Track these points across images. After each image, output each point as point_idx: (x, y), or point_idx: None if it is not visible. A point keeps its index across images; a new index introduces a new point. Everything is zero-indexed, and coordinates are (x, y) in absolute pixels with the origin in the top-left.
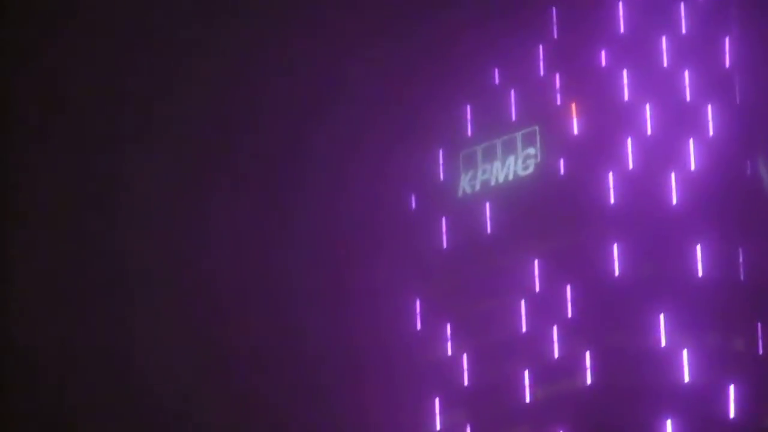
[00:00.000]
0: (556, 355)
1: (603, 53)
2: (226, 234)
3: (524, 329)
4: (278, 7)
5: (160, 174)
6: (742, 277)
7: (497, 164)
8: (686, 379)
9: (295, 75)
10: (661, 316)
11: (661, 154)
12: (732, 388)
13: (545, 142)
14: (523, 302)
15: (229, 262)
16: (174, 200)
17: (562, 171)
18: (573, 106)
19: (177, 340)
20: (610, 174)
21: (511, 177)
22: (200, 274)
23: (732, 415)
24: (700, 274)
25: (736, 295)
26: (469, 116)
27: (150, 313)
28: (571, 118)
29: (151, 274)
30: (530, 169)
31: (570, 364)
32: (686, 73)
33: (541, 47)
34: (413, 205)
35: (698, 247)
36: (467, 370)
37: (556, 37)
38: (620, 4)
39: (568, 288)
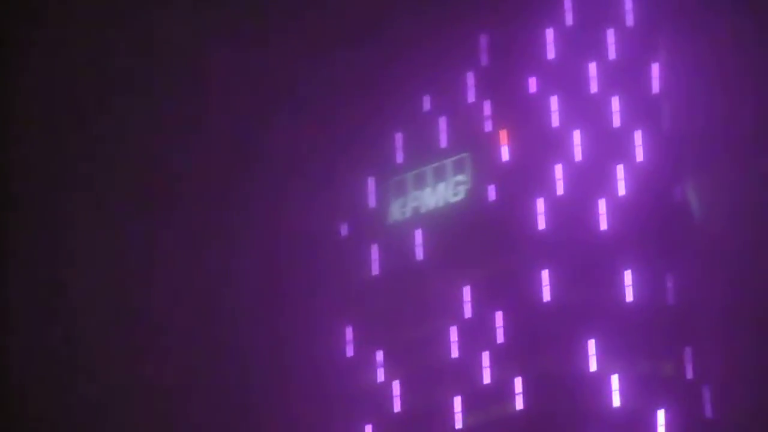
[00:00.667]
0: (487, 381)
1: (532, 80)
2: (164, 259)
3: (455, 355)
4: (196, 48)
5: (102, 204)
6: (670, 302)
7: (428, 191)
8: (616, 403)
9: (233, 106)
10: (591, 342)
11: (590, 180)
12: (661, 412)
13: (475, 168)
14: (454, 328)
15: (165, 286)
16: (119, 231)
17: (492, 197)
18: (503, 132)
19: (116, 361)
20: (540, 200)
21: (441, 204)
22: (142, 299)
23: None
24: (630, 299)
25: (664, 320)
26: (399, 143)
27: (93, 338)
28: (501, 145)
29: (94, 300)
30: (460, 196)
31: (501, 390)
32: (615, 99)
33: (470, 74)
34: (344, 232)
35: (627, 273)
36: (399, 396)
37: (485, 63)
38: (549, 30)
39: (499, 314)
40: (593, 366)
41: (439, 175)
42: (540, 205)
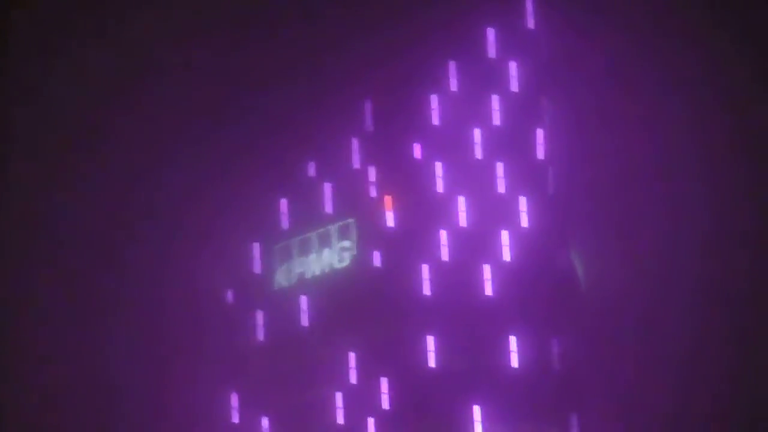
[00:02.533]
0: None
1: (416, 145)
2: (41, 321)
3: (341, 421)
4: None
5: None
6: (556, 368)
7: (313, 257)
8: None
9: (118, 161)
10: (476, 408)
11: (474, 245)
12: None
13: (361, 234)
14: (339, 394)
15: (45, 350)
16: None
17: (377, 263)
18: (387, 198)
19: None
20: (425, 266)
21: (326, 270)
22: (27, 359)
23: None
24: (515, 365)
25: (550, 386)
26: (284, 209)
27: None
28: (386, 211)
29: None
30: (346, 262)
31: None
32: (499, 165)
33: (355, 139)
34: (229, 298)
35: (512, 338)
36: None
37: (370, 129)
38: (433, 96)
39: (384, 380)
40: None
41: (325, 241)
42: (425, 270)
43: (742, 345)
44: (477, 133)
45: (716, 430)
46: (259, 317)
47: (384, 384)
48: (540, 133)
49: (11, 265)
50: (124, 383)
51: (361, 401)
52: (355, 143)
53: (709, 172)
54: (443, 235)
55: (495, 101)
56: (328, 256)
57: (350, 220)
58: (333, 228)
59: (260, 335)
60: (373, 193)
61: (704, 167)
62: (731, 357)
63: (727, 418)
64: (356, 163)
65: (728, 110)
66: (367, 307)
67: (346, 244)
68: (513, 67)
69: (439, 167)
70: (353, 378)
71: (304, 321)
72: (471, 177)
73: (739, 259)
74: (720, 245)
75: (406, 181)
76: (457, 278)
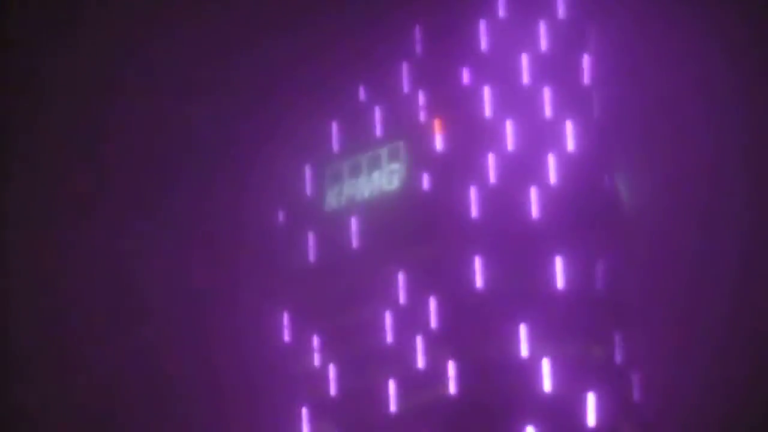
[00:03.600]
0: (421, 366)
1: (465, 71)
2: (88, 244)
3: (390, 340)
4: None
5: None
6: (600, 289)
7: (363, 179)
8: (547, 387)
9: (159, 89)
10: (522, 327)
11: (521, 169)
12: (591, 396)
13: (410, 157)
14: (388, 314)
15: (90, 272)
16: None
17: (425, 186)
18: (437, 122)
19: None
20: (473, 188)
21: (376, 192)
22: (62, 292)
23: (590, 422)
24: (560, 285)
25: (594, 306)
26: (334, 132)
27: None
28: (435, 134)
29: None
30: (395, 184)
31: (434, 374)
32: (546, 90)
33: (405, 64)
34: (280, 219)
35: (558, 260)
36: (334, 380)
37: (420, 54)
38: (482, 22)
39: (432, 300)
40: (524, 351)
41: (374, 164)
42: (473, 193)
43: None
44: (524, 59)
45: (761, 350)
46: (310, 238)
47: (432, 304)
48: (586, 59)
49: (57, 209)
50: (176, 301)
51: (409, 320)
52: (405, 67)
53: (751, 98)
54: (491, 158)
55: (542, 27)
56: (378, 179)
57: (400, 143)
58: (383, 151)
59: (311, 256)
60: (422, 116)
61: (745, 94)
62: None
63: None
64: (406, 87)
65: None
66: (415, 229)
67: (396, 167)
68: (560, 6)
69: (487, 92)
70: (402, 298)
71: (354, 242)
72: (518, 102)
73: None
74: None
75: (455, 106)
76: (505, 201)
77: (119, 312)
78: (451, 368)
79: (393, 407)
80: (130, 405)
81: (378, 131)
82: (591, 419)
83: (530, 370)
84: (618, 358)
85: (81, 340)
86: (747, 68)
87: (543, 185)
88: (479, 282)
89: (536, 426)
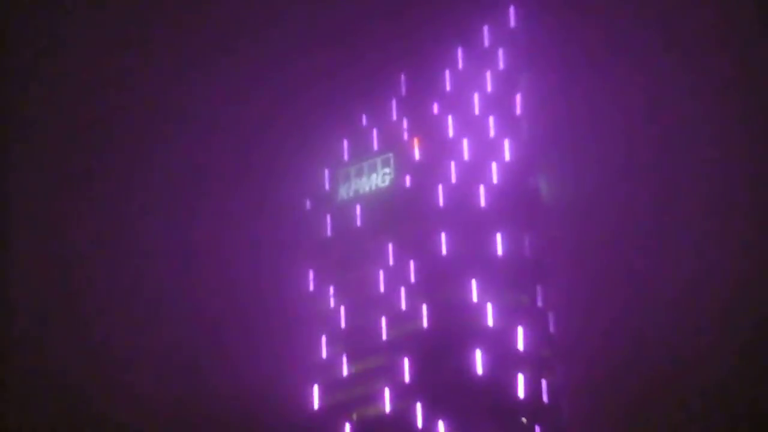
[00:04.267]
0: (404, 308)
1: (435, 104)
2: (155, 223)
3: (382, 290)
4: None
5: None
6: (527, 255)
7: (364, 179)
8: (490, 323)
9: (217, 106)
10: (473, 281)
11: (473, 172)
12: (520, 329)
13: (397, 164)
14: (381, 272)
15: (153, 235)
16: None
17: (408, 184)
18: (415, 140)
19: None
20: (440, 186)
21: (374, 188)
22: (123, 244)
23: (521, 348)
24: (500, 253)
25: (523, 267)
26: (345, 146)
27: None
28: (414, 148)
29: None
30: (387, 183)
31: (413, 314)
32: (490, 118)
33: (393, 100)
34: (307, 206)
35: (498, 235)
36: (344, 317)
37: (404, 93)
38: (446, 71)
39: (412, 262)
40: (475, 298)
41: (372, 168)
42: (440, 189)
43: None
44: (476, 96)
45: (682, 309)
46: (328, 219)
47: (411, 265)
48: (517, 97)
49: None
50: (232, 266)
51: (396, 277)
52: (393, 102)
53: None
54: (452, 165)
55: (488, 75)
56: (375, 179)
57: (390, 154)
58: (378, 159)
59: (329, 231)
60: (405, 136)
61: (640, 118)
62: (675, 243)
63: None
64: (394, 116)
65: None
66: (401, 214)
67: (387, 170)
68: (500, 51)
69: (450, 119)
70: (391, 261)
71: (358, 222)
72: (471, 126)
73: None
74: (673, 175)
75: (428, 129)
76: (462, 194)
77: (190, 273)
78: (425, 310)
79: (384, 336)
80: (204, 338)
81: (375, 146)
82: (520, 346)
83: (479, 310)
84: (540, 302)
85: (157, 293)
86: (632, 108)
87: (488, 184)
88: (444, 250)
89: (483, 350)
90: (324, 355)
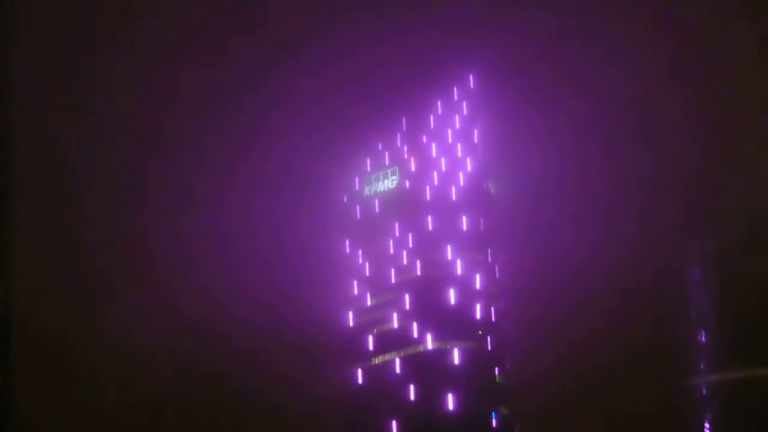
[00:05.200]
0: (405, 263)
1: (425, 136)
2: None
3: (392, 252)
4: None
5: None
6: (482, 229)
7: (381, 182)
8: (459, 272)
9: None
10: (449, 246)
11: (449, 178)
12: (478, 276)
13: (400, 174)
14: (391, 240)
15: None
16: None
17: (407, 186)
18: (412, 159)
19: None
20: (427, 187)
21: (386, 189)
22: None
23: (478, 287)
24: (465, 228)
25: (479, 237)
26: (368, 162)
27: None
28: (411, 164)
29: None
30: (394, 185)
31: (411, 266)
32: (458, 145)
33: (398, 134)
34: (345, 200)
35: (464, 218)
36: (368, 268)
37: (405, 129)
38: (431, 116)
39: (410, 235)
40: (449, 256)
41: (385, 177)
42: (427, 190)
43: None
44: (449, 131)
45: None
46: (357, 208)
47: (410, 237)
48: (477, 131)
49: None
50: (285, 241)
51: (400, 245)
52: (398, 135)
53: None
54: (435, 174)
55: (457, 117)
56: (387, 183)
57: (396, 168)
58: (389, 171)
59: (358, 215)
60: (405, 156)
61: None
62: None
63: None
64: (398, 143)
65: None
66: (404, 206)
67: (394, 178)
68: (464, 103)
69: (434, 146)
70: (397, 233)
71: (376, 209)
72: (447, 149)
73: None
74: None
75: (420, 152)
76: (441, 193)
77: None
78: (418, 264)
79: (393, 280)
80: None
81: (386, 162)
82: (478, 285)
83: (452, 264)
84: (489, 259)
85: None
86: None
87: (457, 185)
88: (430, 227)
89: (454, 289)
90: (355, 292)
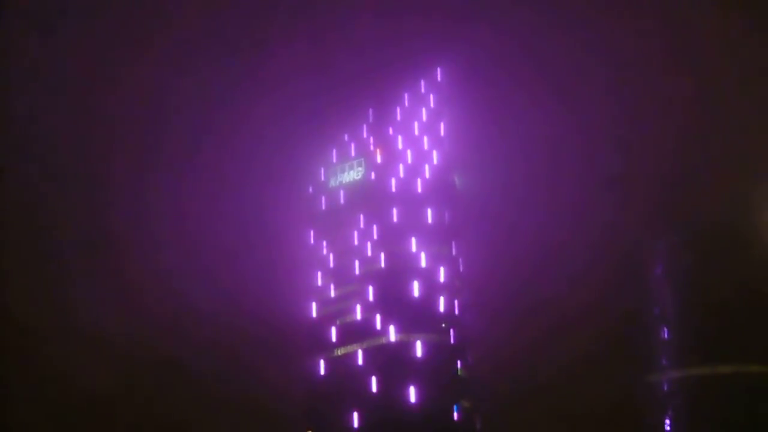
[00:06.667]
0: (369, 254)
1: (391, 128)
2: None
3: (356, 243)
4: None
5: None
6: (446, 222)
7: (346, 173)
8: (423, 264)
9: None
10: (413, 239)
11: (414, 170)
12: (442, 268)
13: (366, 165)
14: (355, 232)
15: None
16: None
17: (373, 177)
18: (378, 150)
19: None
20: (393, 179)
21: (351, 180)
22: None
23: (442, 280)
24: (430, 221)
25: (443, 230)
26: (334, 153)
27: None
28: (377, 155)
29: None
30: (359, 177)
31: (375, 258)
32: (425, 137)
33: (364, 125)
34: (310, 190)
35: (429, 210)
36: (332, 259)
37: (371, 121)
38: (398, 108)
39: (374, 226)
40: (414, 248)
41: (351, 167)
42: (393, 180)
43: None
44: (416, 124)
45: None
46: (323, 199)
47: (374, 228)
48: (443, 124)
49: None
50: (250, 226)
51: (365, 235)
52: (364, 127)
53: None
54: (401, 166)
55: (423, 110)
56: (352, 174)
57: (362, 159)
58: (354, 162)
59: (323, 206)
60: (372, 148)
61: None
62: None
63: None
64: (365, 135)
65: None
66: (368, 196)
67: (360, 169)
68: (431, 96)
69: (399, 138)
70: (361, 224)
71: (341, 199)
72: (413, 142)
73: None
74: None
75: (386, 144)
76: (407, 184)
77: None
78: (383, 256)
79: (357, 272)
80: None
81: (352, 153)
82: (442, 278)
83: (416, 257)
84: (453, 252)
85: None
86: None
87: (423, 178)
88: (395, 219)
89: (418, 281)
90: (319, 283)
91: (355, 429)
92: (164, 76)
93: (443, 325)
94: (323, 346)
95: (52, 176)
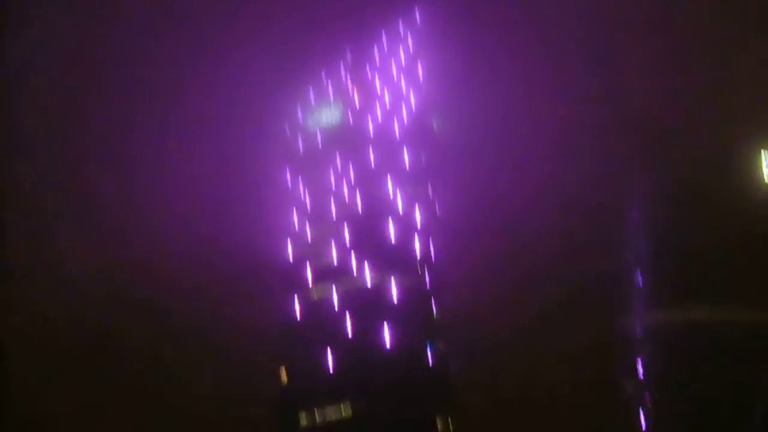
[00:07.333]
0: (346, 196)
1: (368, 68)
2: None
3: (333, 183)
4: None
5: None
6: (423, 164)
7: (323, 114)
8: (400, 208)
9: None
10: (389, 179)
11: (392, 111)
12: (417, 210)
13: (343, 104)
14: (331, 171)
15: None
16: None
17: (350, 118)
18: (355, 89)
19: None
20: (369, 117)
21: (329, 121)
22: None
23: (418, 222)
24: (406, 163)
25: (420, 171)
26: (312, 96)
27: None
28: (354, 96)
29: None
30: (337, 118)
31: (352, 199)
32: (403, 80)
33: (341, 65)
34: (287, 131)
35: (405, 152)
36: (308, 198)
37: (349, 60)
38: (375, 48)
39: (350, 166)
40: (390, 190)
41: (328, 108)
42: (370, 121)
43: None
44: (394, 65)
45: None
46: (299, 139)
47: (350, 167)
48: (421, 66)
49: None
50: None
51: (341, 175)
52: (341, 66)
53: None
54: (377, 105)
55: (401, 53)
56: (330, 114)
57: (339, 99)
58: (331, 102)
59: (300, 146)
60: (348, 88)
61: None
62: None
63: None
64: (342, 75)
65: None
66: (344, 137)
67: (337, 109)
68: (409, 37)
69: (377, 77)
70: (339, 166)
71: (318, 142)
72: (390, 82)
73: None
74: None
75: (362, 85)
76: (383, 125)
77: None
78: (358, 196)
79: (333, 211)
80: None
81: (330, 95)
82: (418, 219)
83: (392, 199)
84: (430, 194)
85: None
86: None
87: (400, 120)
88: (372, 160)
89: (393, 222)
90: (295, 223)
91: (328, 367)
92: (145, 20)
93: (419, 267)
94: (298, 286)
95: (25, 113)
